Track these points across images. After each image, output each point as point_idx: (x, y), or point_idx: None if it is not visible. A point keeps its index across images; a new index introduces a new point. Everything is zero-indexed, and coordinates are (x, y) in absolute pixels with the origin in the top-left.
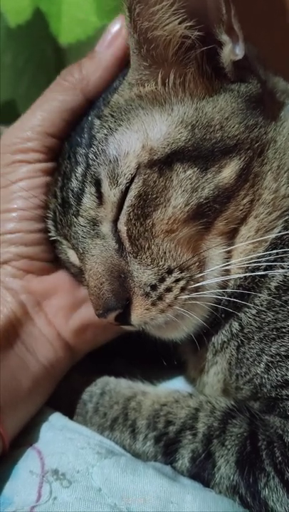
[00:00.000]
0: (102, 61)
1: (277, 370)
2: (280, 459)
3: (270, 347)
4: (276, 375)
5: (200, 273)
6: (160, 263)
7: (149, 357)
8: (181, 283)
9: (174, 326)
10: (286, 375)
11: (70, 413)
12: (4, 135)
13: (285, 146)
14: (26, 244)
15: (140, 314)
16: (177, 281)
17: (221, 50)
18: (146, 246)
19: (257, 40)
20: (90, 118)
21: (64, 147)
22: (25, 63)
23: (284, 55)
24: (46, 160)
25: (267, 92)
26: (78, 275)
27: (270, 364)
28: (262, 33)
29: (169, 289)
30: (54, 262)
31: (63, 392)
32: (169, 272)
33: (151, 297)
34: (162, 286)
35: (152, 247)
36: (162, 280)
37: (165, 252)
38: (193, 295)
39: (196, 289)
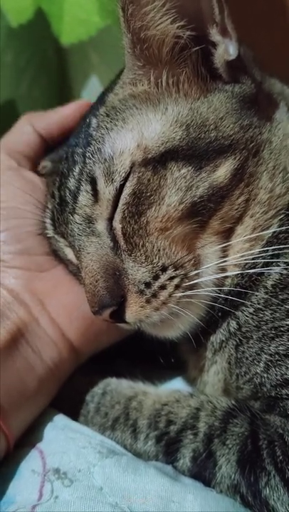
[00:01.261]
0: (60, 110)
1: (277, 369)
2: (280, 458)
3: (269, 346)
4: (276, 374)
5: (195, 271)
6: (154, 261)
7: (150, 358)
8: (176, 281)
9: (170, 324)
10: (286, 374)
11: (72, 413)
12: None
13: (280, 146)
14: (19, 239)
15: (135, 312)
16: (171, 278)
17: (214, 50)
18: (140, 244)
19: (257, 41)
20: (87, 119)
21: (63, 151)
22: (26, 63)
23: (284, 55)
24: (17, 166)
25: (262, 93)
26: (76, 273)
27: (269, 363)
28: (262, 33)
29: (163, 287)
30: (52, 255)
31: (66, 393)
32: (163, 269)
33: (146, 295)
34: (156, 284)
35: (146, 244)
36: (156, 278)
37: (159, 250)
38: (188, 293)
39: (191, 287)
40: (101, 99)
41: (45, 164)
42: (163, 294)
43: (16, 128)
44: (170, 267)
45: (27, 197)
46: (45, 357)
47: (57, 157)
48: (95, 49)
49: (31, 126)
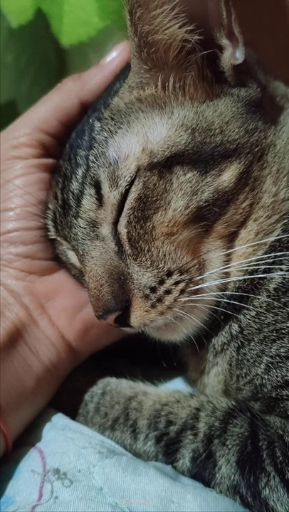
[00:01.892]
0: (100, 71)
1: (278, 370)
2: (280, 458)
3: (270, 348)
4: (276, 376)
5: (199, 275)
6: (160, 265)
7: (150, 357)
8: (181, 285)
9: (173, 328)
10: (286, 375)
11: (71, 413)
12: (2, 133)
13: (284, 150)
14: (25, 243)
15: (139, 316)
16: (177, 283)
17: (221, 54)
18: (146, 248)
19: (261, 44)
20: (90, 120)
21: (65, 149)
22: (26, 63)
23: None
24: (40, 155)
25: (267, 96)
26: (79, 277)
27: (270, 365)
28: (266, 36)
29: (168, 292)
30: (55, 260)
31: (65, 393)
32: (169, 274)
33: (151, 299)
34: (162, 289)
35: (152, 249)
36: (162, 282)
37: (165, 255)
38: (193, 297)
39: (196, 292)
40: (105, 103)
41: None
42: (168, 299)
43: (59, 98)
44: (175, 272)
45: (41, 194)
46: (44, 357)
47: None
48: (95, 50)
49: (78, 100)
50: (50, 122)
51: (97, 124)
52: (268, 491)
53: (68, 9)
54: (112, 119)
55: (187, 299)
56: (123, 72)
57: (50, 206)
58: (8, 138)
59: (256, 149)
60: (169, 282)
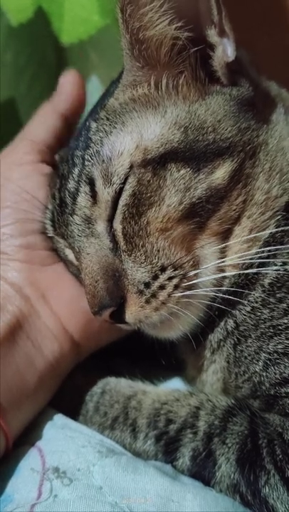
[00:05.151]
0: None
1: (276, 367)
2: (280, 456)
3: (268, 345)
4: (274, 373)
5: (193, 271)
6: (154, 261)
7: (149, 356)
8: (175, 281)
9: (169, 324)
10: (284, 372)
11: (71, 412)
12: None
13: (276, 148)
14: (24, 234)
15: (134, 312)
16: (170, 278)
17: (213, 52)
18: (140, 244)
19: (259, 43)
20: (87, 122)
21: (65, 151)
22: (26, 62)
23: (286, 56)
24: (37, 161)
25: (259, 95)
26: (77, 275)
27: (268, 362)
28: (264, 36)
29: (162, 287)
30: (55, 251)
31: (65, 393)
32: (163, 269)
33: (145, 295)
34: (156, 284)
35: (146, 245)
36: (156, 278)
37: (159, 250)
38: (187, 293)
39: (190, 287)
40: (101, 104)
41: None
42: (162, 294)
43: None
44: (169, 267)
45: (39, 193)
46: (46, 351)
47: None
48: (95, 48)
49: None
50: (41, 135)
51: (94, 125)
52: (267, 490)
53: (68, 7)
54: (108, 119)
55: (181, 294)
56: (119, 76)
57: (48, 206)
58: (7, 151)
59: (248, 147)
60: (162, 277)
